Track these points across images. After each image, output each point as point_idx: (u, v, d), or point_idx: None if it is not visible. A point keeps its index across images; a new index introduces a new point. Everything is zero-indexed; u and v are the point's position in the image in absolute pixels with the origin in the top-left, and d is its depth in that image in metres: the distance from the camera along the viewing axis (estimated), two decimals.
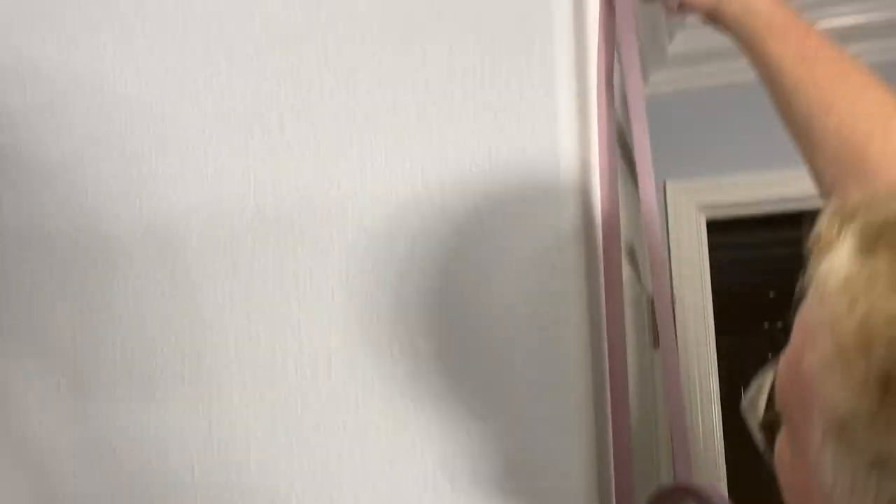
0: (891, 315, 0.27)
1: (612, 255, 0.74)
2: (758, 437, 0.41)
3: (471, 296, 0.69)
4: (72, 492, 0.78)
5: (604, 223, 0.75)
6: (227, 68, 0.79)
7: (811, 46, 0.62)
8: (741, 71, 1.74)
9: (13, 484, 0.79)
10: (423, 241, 0.71)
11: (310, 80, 0.76)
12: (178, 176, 0.80)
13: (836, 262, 0.31)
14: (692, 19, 1.65)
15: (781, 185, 1.63)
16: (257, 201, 0.77)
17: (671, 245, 1.87)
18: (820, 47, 0.62)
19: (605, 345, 0.73)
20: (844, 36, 1.68)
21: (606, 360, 0.73)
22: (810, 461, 0.32)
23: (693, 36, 1.76)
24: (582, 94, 0.74)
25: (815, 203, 0.50)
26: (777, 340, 4.26)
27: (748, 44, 0.66)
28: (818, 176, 0.62)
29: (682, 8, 0.71)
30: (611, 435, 0.71)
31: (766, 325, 4.35)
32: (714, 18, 0.69)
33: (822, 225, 0.33)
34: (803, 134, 0.62)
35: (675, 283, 1.85)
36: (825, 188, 0.61)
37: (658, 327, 0.76)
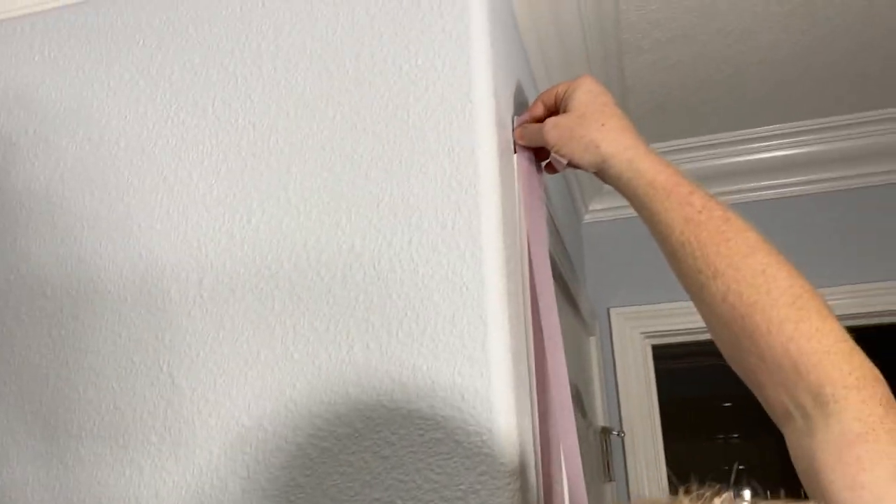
0: None
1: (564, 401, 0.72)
2: None
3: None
4: None
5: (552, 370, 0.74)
6: (220, 112, 0.79)
7: (695, 207, 0.62)
8: None
9: None
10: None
11: (301, 127, 0.76)
12: (162, 220, 0.78)
13: None
14: None
15: None
16: (243, 252, 0.74)
17: (617, 370, 1.86)
18: (704, 208, 0.62)
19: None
20: (773, 168, 1.77)
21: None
22: None
23: None
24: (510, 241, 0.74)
25: None
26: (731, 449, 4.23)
27: (634, 203, 0.68)
28: (716, 338, 0.62)
29: (571, 166, 0.73)
30: None
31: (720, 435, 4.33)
32: (600, 176, 0.71)
33: None
34: (696, 296, 0.62)
35: (622, 410, 1.82)
36: (725, 353, 0.61)
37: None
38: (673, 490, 0.43)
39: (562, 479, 0.72)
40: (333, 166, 0.74)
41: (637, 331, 1.86)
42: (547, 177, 0.88)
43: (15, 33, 0.91)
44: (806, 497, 0.52)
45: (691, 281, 0.62)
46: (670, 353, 1.97)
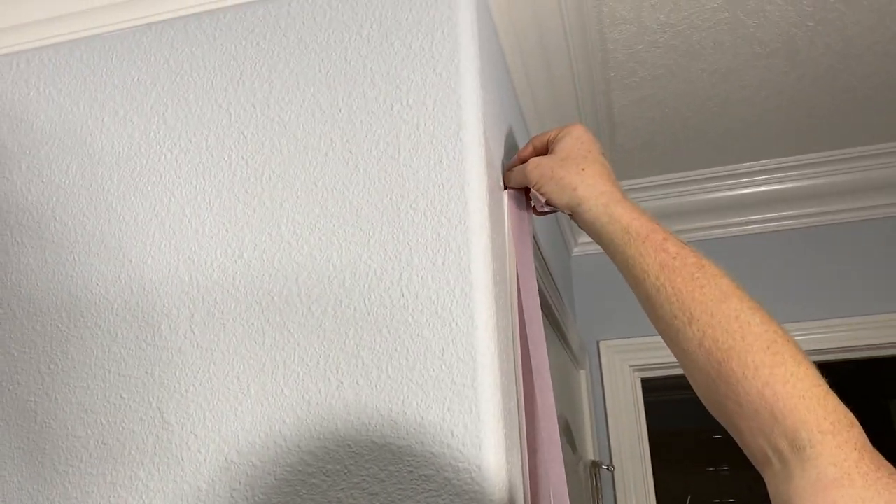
0: None
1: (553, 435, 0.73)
2: None
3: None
4: None
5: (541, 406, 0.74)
6: (213, 149, 0.79)
7: (670, 254, 0.64)
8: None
9: None
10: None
11: (293, 164, 0.76)
12: (154, 255, 0.78)
13: None
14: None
15: None
16: (235, 287, 0.74)
17: (606, 403, 1.86)
18: (678, 255, 0.64)
19: None
20: (757, 203, 1.79)
21: None
22: None
23: None
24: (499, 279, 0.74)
25: None
26: (722, 481, 4.20)
27: (609, 248, 0.69)
28: (693, 383, 0.63)
29: (548, 205, 0.75)
30: None
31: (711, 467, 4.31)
32: (575, 219, 0.73)
33: None
34: (672, 341, 0.63)
35: (612, 443, 1.82)
36: (702, 397, 0.62)
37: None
38: None
39: None
40: (325, 202, 0.75)
41: (626, 363, 1.86)
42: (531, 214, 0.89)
43: (11, 68, 0.92)
44: None
45: (667, 325, 0.63)
46: (660, 384, 1.97)
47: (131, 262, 0.79)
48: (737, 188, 1.79)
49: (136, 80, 0.86)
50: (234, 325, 0.73)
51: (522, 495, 0.69)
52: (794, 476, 0.52)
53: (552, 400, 0.76)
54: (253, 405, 0.70)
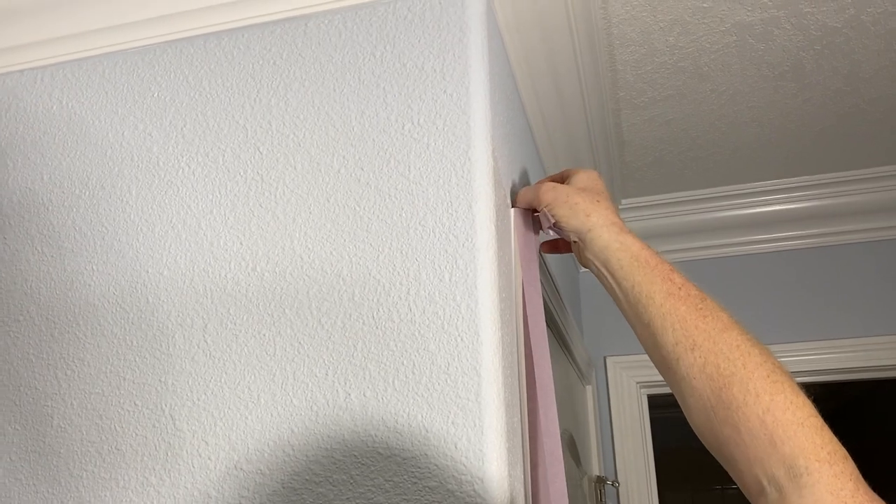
0: None
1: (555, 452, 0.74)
2: None
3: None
4: None
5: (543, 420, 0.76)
6: (229, 164, 0.81)
7: (675, 284, 0.67)
8: (674, 252, 1.84)
9: None
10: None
11: (307, 180, 0.78)
12: (170, 266, 0.80)
13: None
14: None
15: None
16: (247, 299, 0.77)
17: (612, 419, 1.87)
18: (683, 286, 0.67)
19: None
20: (764, 223, 1.80)
21: None
22: None
23: (626, 218, 1.86)
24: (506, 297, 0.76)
25: None
26: (728, 500, 4.17)
27: (616, 274, 0.71)
28: (687, 410, 0.64)
29: (556, 227, 0.77)
30: None
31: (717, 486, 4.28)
32: (582, 244, 0.74)
33: None
34: (671, 369, 0.65)
35: (617, 459, 1.82)
36: (697, 426, 0.63)
37: None
38: None
39: None
40: (337, 218, 0.77)
41: (633, 380, 1.87)
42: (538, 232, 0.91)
43: (36, 83, 0.95)
44: None
45: (667, 352, 0.65)
46: (666, 401, 1.98)
47: (148, 272, 0.81)
48: (743, 208, 1.80)
49: (156, 95, 0.89)
50: (246, 335, 0.75)
51: None
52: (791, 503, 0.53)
53: (555, 415, 0.78)
54: (262, 414, 0.72)
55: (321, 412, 0.71)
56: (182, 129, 0.86)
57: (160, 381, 0.76)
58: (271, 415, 0.72)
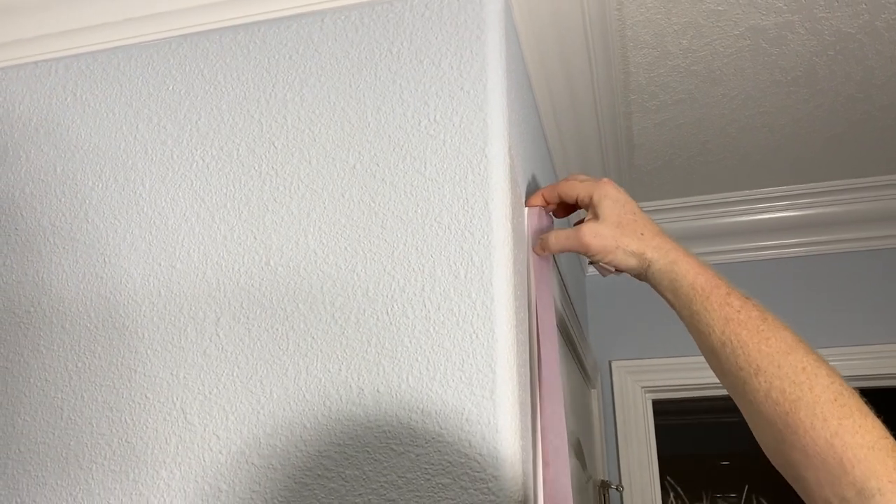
0: None
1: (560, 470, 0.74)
2: None
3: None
4: None
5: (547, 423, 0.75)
6: (244, 158, 0.81)
7: (734, 307, 0.66)
8: None
9: None
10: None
11: (321, 175, 0.78)
12: (183, 259, 0.80)
13: None
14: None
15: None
16: (261, 293, 0.76)
17: (617, 423, 1.86)
18: (742, 308, 0.65)
19: None
20: (774, 229, 1.80)
21: None
22: None
23: None
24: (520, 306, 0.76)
25: None
26: None
27: (675, 302, 0.71)
28: (757, 434, 0.64)
29: (617, 270, 0.76)
30: None
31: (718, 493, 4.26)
32: (644, 279, 0.75)
33: None
34: (738, 392, 0.64)
35: (622, 463, 1.82)
36: (767, 449, 0.63)
37: None
38: None
39: None
40: (352, 213, 0.77)
41: (638, 384, 1.87)
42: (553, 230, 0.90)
43: (50, 74, 0.95)
44: None
45: (733, 378, 0.64)
46: (670, 408, 1.97)
47: (160, 265, 0.81)
48: (753, 213, 1.80)
49: (171, 88, 0.89)
50: (259, 329, 0.75)
51: None
52: None
53: (563, 414, 0.77)
54: (275, 409, 0.72)
55: (334, 407, 0.70)
56: (197, 122, 0.86)
57: (172, 374, 0.76)
58: (284, 409, 0.72)
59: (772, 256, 1.83)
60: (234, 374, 0.74)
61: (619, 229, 0.74)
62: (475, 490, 0.64)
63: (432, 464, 0.66)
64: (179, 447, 0.73)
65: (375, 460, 0.67)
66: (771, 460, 0.63)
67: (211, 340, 0.76)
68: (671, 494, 3.54)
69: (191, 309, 0.78)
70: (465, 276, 0.71)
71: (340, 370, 0.71)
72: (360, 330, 0.72)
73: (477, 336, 0.69)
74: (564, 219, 0.90)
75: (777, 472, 0.64)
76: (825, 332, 1.74)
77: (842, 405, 0.58)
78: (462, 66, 0.79)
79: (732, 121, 1.45)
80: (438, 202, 0.75)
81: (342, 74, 0.83)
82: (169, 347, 0.77)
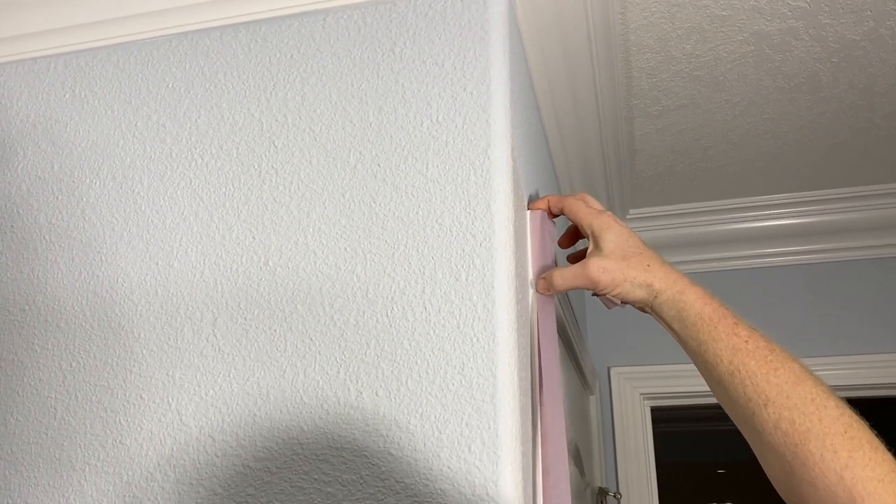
0: None
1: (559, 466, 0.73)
2: None
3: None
4: None
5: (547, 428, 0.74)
6: (244, 157, 0.80)
7: (742, 337, 0.65)
8: (683, 263, 1.83)
9: None
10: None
11: (322, 175, 0.77)
12: (180, 258, 0.79)
13: None
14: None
15: None
16: (259, 293, 0.75)
17: (615, 430, 1.85)
18: (750, 338, 0.65)
19: None
20: (775, 236, 1.79)
21: None
22: None
23: (634, 228, 1.85)
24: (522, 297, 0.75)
25: None
26: None
27: (682, 332, 0.70)
28: (765, 465, 0.63)
29: (623, 302, 0.76)
30: None
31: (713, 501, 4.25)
32: (650, 311, 0.74)
33: None
34: (746, 423, 0.64)
35: (619, 471, 1.81)
36: (776, 480, 0.62)
37: None
38: None
39: None
40: (352, 214, 0.76)
41: (637, 391, 1.86)
42: (554, 234, 0.90)
43: (49, 70, 0.94)
44: None
45: (741, 409, 0.64)
46: (668, 416, 1.96)
47: (157, 264, 0.80)
48: (754, 220, 1.79)
49: (170, 86, 0.88)
50: (257, 331, 0.74)
51: None
52: None
53: (562, 419, 0.77)
54: (272, 412, 0.71)
55: (332, 410, 0.69)
56: (196, 120, 0.85)
57: (168, 374, 0.75)
58: (281, 412, 0.70)
59: (773, 264, 1.83)
60: (231, 376, 0.73)
61: (626, 262, 0.73)
62: (474, 496, 0.63)
63: (431, 468, 0.65)
64: (174, 449, 0.72)
65: (373, 465, 0.66)
66: (779, 492, 0.62)
67: (208, 341, 0.75)
68: None
69: (188, 309, 0.77)
70: (467, 279, 0.70)
71: (339, 373, 0.70)
72: (360, 332, 0.71)
73: (478, 339, 0.68)
74: (564, 220, 0.89)
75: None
76: (826, 340, 1.74)
77: (851, 437, 0.57)
78: (465, 67, 0.78)
79: (734, 127, 1.44)
80: (440, 203, 0.74)
81: (344, 74, 0.82)
82: (165, 348, 0.76)
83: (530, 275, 0.81)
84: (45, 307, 0.82)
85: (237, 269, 0.77)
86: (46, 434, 0.77)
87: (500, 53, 0.78)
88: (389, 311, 0.71)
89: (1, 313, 0.83)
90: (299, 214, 0.77)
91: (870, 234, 1.75)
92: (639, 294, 0.73)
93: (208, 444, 0.71)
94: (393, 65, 0.81)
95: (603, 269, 0.74)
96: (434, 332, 0.69)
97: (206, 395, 0.73)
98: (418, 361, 0.69)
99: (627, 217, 1.85)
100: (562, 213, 0.82)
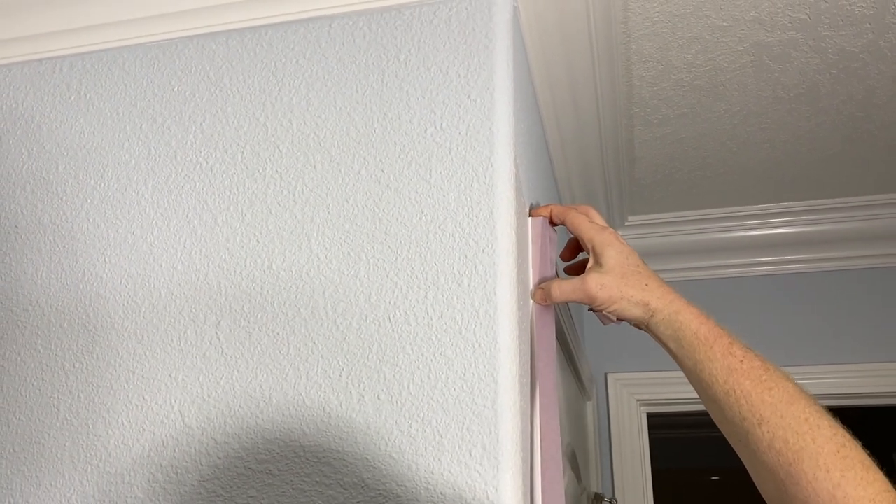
0: None
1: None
2: None
3: None
4: None
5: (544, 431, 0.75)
6: (248, 161, 0.81)
7: (737, 357, 0.66)
8: (681, 271, 1.84)
9: None
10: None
11: (326, 179, 0.78)
12: (184, 261, 0.79)
13: None
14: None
15: None
16: (262, 297, 0.76)
17: (612, 436, 1.86)
18: (745, 358, 0.66)
19: None
20: (772, 245, 1.80)
21: None
22: None
23: (632, 235, 1.86)
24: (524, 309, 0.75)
25: None
26: None
27: (678, 353, 0.71)
28: (759, 483, 0.64)
29: (619, 319, 0.77)
30: None
31: None
32: (646, 329, 0.75)
33: None
34: (741, 442, 0.65)
35: (615, 476, 1.81)
36: (769, 499, 0.63)
37: None
38: None
39: None
40: (355, 219, 0.76)
41: (634, 397, 1.86)
42: (556, 241, 0.90)
43: (55, 72, 0.94)
44: None
45: (735, 428, 0.64)
46: (663, 422, 1.97)
47: (161, 266, 0.80)
48: (752, 229, 1.80)
49: (176, 90, 0.89)
50: (260, 334, 0.75)
51: None
52: None
53: (558, 425, 0.77)
54: (274, 414, 0.71)
55: (334, 414, 0.70)
56: (201, 124, 0.86)
57: (170, 376, 0.75)
58: (283, 415, 0.71)
59: (770, 272, 1.84)
60: (234, 378, 0.74)
61: (624, 280, 0.74)
62: (474, 501, 0.64)
63: (432, 472, 0.65)
64: (177, 451, 0.73)
65: (374, 468, 0.67)
66: None
67: (210, 343, 0.76)
68: None
69: (191, 311, 0.77)
70: (469, 285, 0.71)
71: (341, 376, 0.71)
72: (362, 336, 0.72)
73: (479, 345, 0.68)
74: (564, 230, 0.90)
75: None
76: (821, 349, 1.75)
77: (844, 457, 0.58)
78: (469, 75, 0.79)
79: (733, 136, 1.45)
80: (443, 210, 0.74)
81: (349, 80, 0.83)
82: (168, 349, 0.77)
83: (531, 282, 0.82)
84: (48, 307, 0.82)
85: (240, 273, 0.78)
86: (49, 434, 0.77)
87: (505, 61, 0.79)
88: (392, 316, 0.72)
89: (4, 313, 0.84)
90: (303, 218, 0.78)
91: (867, 243, 1.76)
92: (635, 312, 0.73)
93: (210, 445, 0.72)
94: (398, 71, 0.81)
95: (601, 285, 0.74)
96: (436, 337, 0.70)
97: (209, 396, 0.74)
98: (420, 366, 0.69)
99: (626, 224, 1.86)
100: (563, 224, 0.82)
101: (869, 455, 0.59)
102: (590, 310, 0.78)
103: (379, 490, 0.66)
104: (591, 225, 0.79)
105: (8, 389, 0.80)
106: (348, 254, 0.75)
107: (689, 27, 1.13)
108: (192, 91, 0.88)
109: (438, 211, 0.75)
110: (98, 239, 0.84)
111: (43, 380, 0.79)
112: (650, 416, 1.90)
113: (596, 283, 0.74)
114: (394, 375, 0.70)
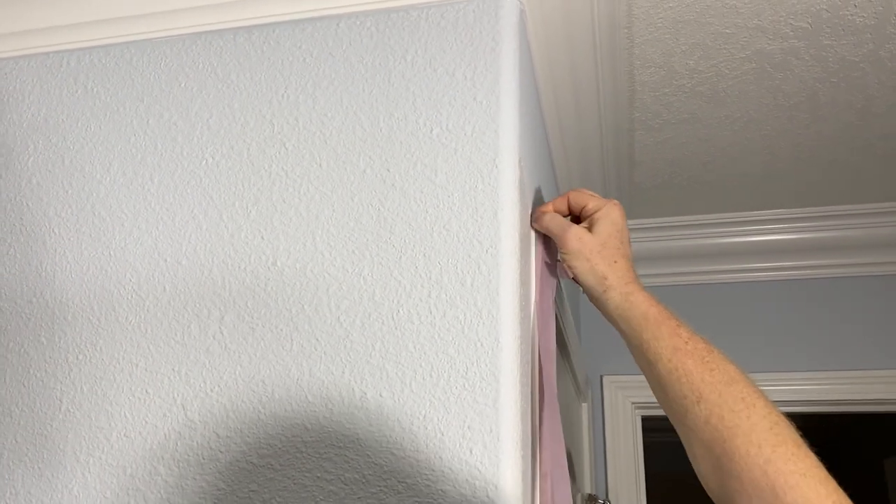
0: None
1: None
2: None
3: None
4: None
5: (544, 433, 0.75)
6: (254, 158, 0.81)
7: (682, 338, 0.68)
8: (679, 275, 1.85)
9: None
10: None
11: (331, 178, 0.78)
12: (189, 256, 0.80)
13: None
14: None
15: None
16: (266, 293, 0.77)
17: (606, 438, 1.86)
18: (690, 340, 0.68)
19: None
20: (769, 251, 1.81)
21: None
22: None
23: (631, 238, 1.87)
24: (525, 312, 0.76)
25: None
26: None
27: (626, 331, 0.73)
28: (695, 461, 0.65)
29: (574, 280, 0.79)
30: None
31: None
32: (596, 303, 0.77)
33: None
34: (679, 419, 0.66)
35: (609, 478, 1.82)
36: (704, 478, 0.64)
37: None
38: None
39: None
40: (360, 217, 0.77)
41: (629, 400, 1.87)
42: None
43: (62, 66, 0.95)
44: None
45: (676, 405, 0.66)
46: (658, 425, 1.98)
47: (166, 260, 0.81)
48: (751, 235, 1.81)
49: (182, 85, 0.89)
50: (263, 329, 0.75)
51: None
52: None
53: (560, 425, 0.78)
54: (276, 409, 0.72)
55: (336, 410, 0.70)
56: (208, 120, 0.86)
57: (174, 370, 0.76)
58: (285, 410, 0.72)
59: (768, 278, 1.85)
60: (237, 373, 0.74)
61: (600, 248, 0.76)
62: (475, 498, 0.64)
63: (433, 469, 0.66)
64: (179, 443, 0.73)
65: (375, 464, 0.68)
66: (707, 489, 0.64)
67: (214, 338, 0.76)
68: None
69: (195, 306, 0.78)
70: (472, 285, 0.72)
71: (343, 373, 0.72)
72: (365, 334, 0.73)
73: (482, 344, 0.69)
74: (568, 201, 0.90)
75: None
76: (819, 355, 1.76)
77: (777, 434, 0.59)
78: (476, 77, 0.80)
79: (734, 143, 1.46)
80: (448, 210, 0.75)
81: (355, 79, 0.83)
82: (171, 343, 0.77)
83: (533, 285, 0.82)
84: (52, 300, 0.83)
85: (245, 268, 0.78)
86: (51, 426, 0.77)
87: (511, 65, 0.80)
88: (395, 314, 0.73)
89: (8, 305, 0.84)
90: (308, 216, 0.79)
91: (865, 251, 1.77)
92: (590, 281, 0.76)
93: (212, 439, 0.72)
94: (404, 72, 0.82)
95: (580, 238, 0.77)
96: (439, 335, 0.71)
97: (212, 391, 0.74)
98: (422, 364, 0.70)
99: None
100: (567, 204, 0.83)
101: (801, 436, 0.60)
102: (558, 259, 0.80)
103: (380, 486, 0.67)
104: (595, 197, 0.82)
105: (11, 381, 0.80)
106: (352, 252, 0.76)
107: (691, 34, 1.14)
108: (199, 87, 0.88)
109: (443, 211, 0.75)
110: (103, 233, 0.84)
111: (46, 372, 0.80)
112: (644, 419, 1.91)
113: (576, 235, 0.77)
114: (396, 373, 0.70)
